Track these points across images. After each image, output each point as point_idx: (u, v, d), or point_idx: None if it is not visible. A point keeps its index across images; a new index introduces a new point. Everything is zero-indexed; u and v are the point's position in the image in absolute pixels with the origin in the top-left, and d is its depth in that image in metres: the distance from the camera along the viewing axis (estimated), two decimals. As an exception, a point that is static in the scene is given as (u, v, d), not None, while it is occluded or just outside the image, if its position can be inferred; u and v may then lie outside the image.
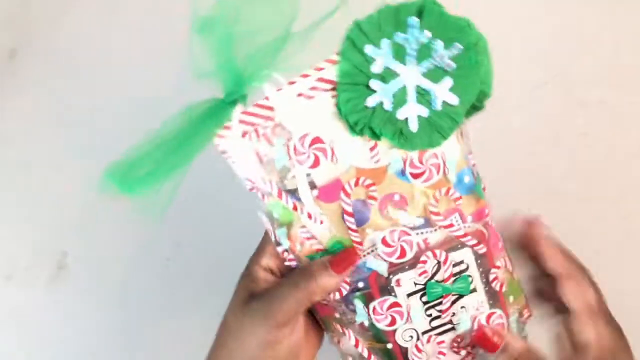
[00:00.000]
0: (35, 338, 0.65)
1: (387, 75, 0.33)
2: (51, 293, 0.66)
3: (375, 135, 0.34)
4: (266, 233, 0.39)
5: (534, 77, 0.63)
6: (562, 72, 0.63)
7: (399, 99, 0.33)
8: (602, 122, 0.63)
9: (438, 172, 0.35)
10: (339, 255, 0.35)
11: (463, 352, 0.39)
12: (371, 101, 0.33)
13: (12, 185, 0.67)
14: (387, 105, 0.33)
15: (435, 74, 0.33)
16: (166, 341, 0.65)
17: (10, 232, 0.66)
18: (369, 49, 0.33)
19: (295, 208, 0.35)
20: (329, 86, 0.33)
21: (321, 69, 0.33)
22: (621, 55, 0.63)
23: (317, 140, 0.33)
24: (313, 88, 0.33)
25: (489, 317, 0.38)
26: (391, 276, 0.36)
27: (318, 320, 0.41)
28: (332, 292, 0.36)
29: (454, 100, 0.33)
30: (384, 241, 0.35)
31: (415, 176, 0.34)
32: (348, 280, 0.36)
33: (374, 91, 0.33)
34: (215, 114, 0.34)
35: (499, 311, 0.38)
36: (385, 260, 0.35)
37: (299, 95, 0.33)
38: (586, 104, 0.63)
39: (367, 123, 0.33)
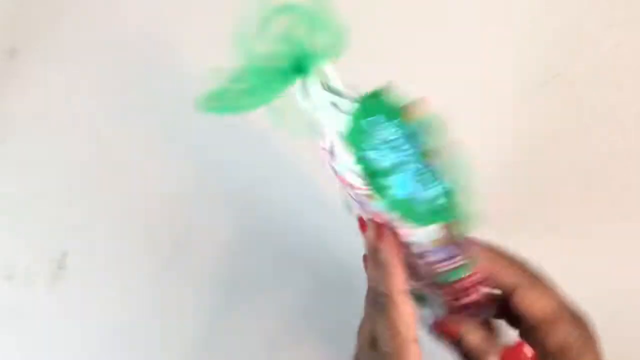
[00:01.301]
0: (35, 338, 0.65)
1: None
2: (51, 293, 0.65)
3: None
4: (392, 253, 0.37)
5: (534, 77, 0.63)
6: (562, 72, 0.63)
7: None
8: (603, 122, 0.63)
9: None
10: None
11: None
12: None
13: (11, 185, 0.67)
14: None
15: None
16: (166, 341, 0.65)
17: (10, 232, 0.66)
18: None
19: None
20: None
21: None
22: (621, 55, 0.63)
23: None
24: None
25: None
26: None
27: None
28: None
29: None
30: None
31: None
32: None
33: None
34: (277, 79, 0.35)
35: None
36: None
37: None
38: (586, 104, 0.63)
39: None
